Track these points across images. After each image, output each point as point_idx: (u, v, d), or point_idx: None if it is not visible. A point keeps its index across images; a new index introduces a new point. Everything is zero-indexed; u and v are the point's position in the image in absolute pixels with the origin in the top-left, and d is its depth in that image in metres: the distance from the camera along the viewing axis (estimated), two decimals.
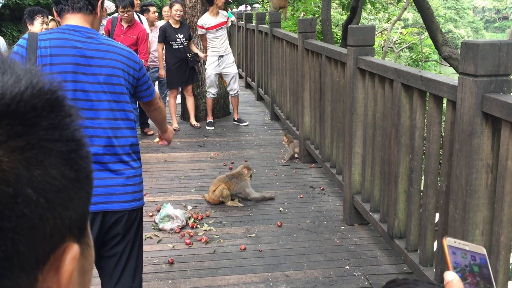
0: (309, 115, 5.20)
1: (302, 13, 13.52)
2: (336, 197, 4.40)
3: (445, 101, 2.59)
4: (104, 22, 5.96)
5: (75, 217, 0.39)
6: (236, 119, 6.90)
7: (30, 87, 0.37)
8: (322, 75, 4.59)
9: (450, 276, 0.65)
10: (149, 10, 6.69)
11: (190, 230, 3.75)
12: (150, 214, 4.01)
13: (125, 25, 5.75)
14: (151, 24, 6.70)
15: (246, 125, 6.78)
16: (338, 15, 16.81)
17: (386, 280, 3.15)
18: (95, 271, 2.41)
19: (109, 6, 6.55)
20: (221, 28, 6.48)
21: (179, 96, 7.05)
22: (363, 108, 3.66)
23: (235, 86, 6.76)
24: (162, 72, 6.49)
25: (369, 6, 14.60)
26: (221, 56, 6.55)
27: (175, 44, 6.38)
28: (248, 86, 9.55)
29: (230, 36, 10.26)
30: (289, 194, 4.48)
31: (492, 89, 2.20)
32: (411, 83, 2.83)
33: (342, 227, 3.83)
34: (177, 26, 6.39)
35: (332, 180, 4.60)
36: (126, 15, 5.65)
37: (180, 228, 3.76)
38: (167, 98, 6.89)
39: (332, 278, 3.12)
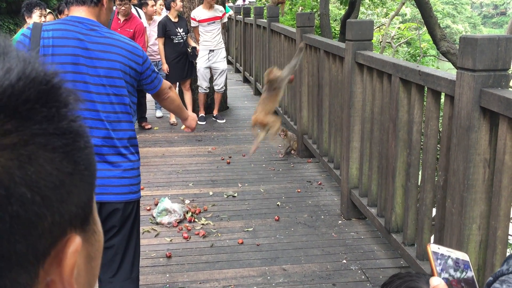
0: (307, 109, 5.20)
1: (300, 8, 13.49)
2: (333, 191, 4.41)
3: (443, 95, 2.59)
4: None
5: (75, 210, 0.38)
6: (215, 115, 6.83)
7: (22, 78, 0.35)
8: (320, 70, 4.58)
9: (436, 281, 0.66)
10: (147, 4, 6.66)
11: (187, 224, 3.76)
12: (148, 208, 4.02)
13: (122, 19, 5.72)
14: (149, 18, 6.67)
15: (223, 122, 6.71)
16: (336, 10, 16.78)
17: (383, 274, 3.18)
18: None
19: None
20: (214, 22, 6.43)
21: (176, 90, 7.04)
22: (361, 103, 3.66)
23: (220, 82, 6.68)
24: (165, 67, 6.45)
25: (367, 0, 14.58)
26: (211, 51, 6.52)
27: (176, 39, 6.34)
28: (246, 80, 9.54)
29: (228, 30, 10.24)
30: (286, 188, 4.48)
31: (490, 84, 2.20)
32: (409, 77, 2.83)
33: (340, 221, 3.84)
34: (176, 20, 6.36)
35: (330, 175, 4.60)
36: (123, 8, 5.62)
37: (178, 222, 3.76)
38: None
39: (329, 272, 3.13)
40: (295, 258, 3.30)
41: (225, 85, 7.24)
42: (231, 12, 10.82)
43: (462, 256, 0.69)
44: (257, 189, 4.46)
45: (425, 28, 9.17)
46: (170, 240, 3.52)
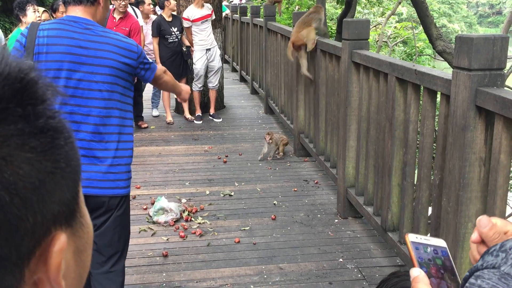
0: (303, 108, 5.20)
1: (297, 7, 13.49)
2: (330, 190, 4.42)
3: (439, 95, 2.60)
4: None
5: (58, 208, 0.37)
6: (211, 114, 6.82)
7: None
8: (317, 69, 4.59)
9: (416, 272, 0.67)
10: (144, 2, 6.65)
11: (184, 223, 3.76)
12: (144, 207, 4.01)
13: (117, 17, 5.71)
14: (146, 16, 6.66)
15: (220, 121, 6.71)
16: (333, 9, 16.79)
17: (379, 273, 3.19)
18: None
19: None
20: (206, 20, 6.43)
21: None
22: (357, 102, 3.67)
23: (214, 79, 6.70)
24: (163, 68, 6.40)
25: (363, 0, 14.60)
26: (208, 49, 6.52)
27: (170, 38, 6.33)
28: (242, 79, 9.54)
29: (224, 29, 10.23)
30: (283, 187, 4.49)
31: (485, 83, 2.21)
32: (406, 77, 2.84)
33: (336, 220, 3.85)
34: (170, 19, 6.35)
35: (326, 174, 4.61)
36: (123, 3, 5.59)
37: (174, 221, 3.76)
38: (162, 92, 6.86)
39: (325, 270, 3.14)
40: (292, 256, 3.30)
41: (221, 83, 7.25)
42: (227, 11, 10.81)
43: (440, 243, 0.70)
44: (254, 188, 4.46)
45: (421, 28, 9.19)
46: (167, 239, 3.52)
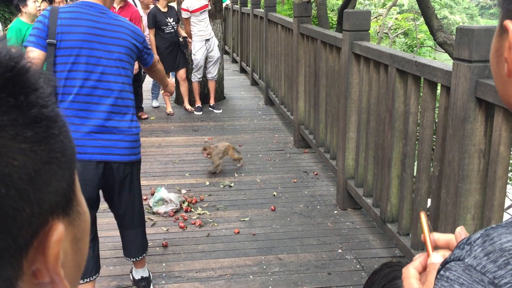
0: (303, 100, 5.20)
1: None
2: (329, 181, 4.42)
3: (439, 86, 2.60)
4: None
5: (55, 198, 0.37)
6: (211, 105, 6.81)
7: None
8: (317, 60, 4.58)
9: (436, 259, 0.67)
10: None
11: (184, 214, 3.77)
12: (144, 197, 4.02)
13: (117, 7, 5.68)
14: (146, 7, 6.62)
15: (220, 112, 6.71)
16: (334, 0, 16.71)
17: (378, 263, 3.20)
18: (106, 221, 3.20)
19: None
20: (204, 11, 6.41)
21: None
22: (357, 93, 3.67)
23: (214, 70, 6.69)
24: (156, 58, 6.39)
25: None
26: (207, 40, 6.51)
27: (167, 29, 6.29)
28: (242, 70, 9.52)
29: (225, 20, 10.19)
30: (283, 178, 4.50)
31: (486, 75, 2.21)
32: (406, 68, 2.83)
33: (335, 212, 3.86)
34: (165, 10, 6.31)
35: (326, 165, 4.62)
36: None
37: (174, 212, 3.77)
38: None
39: (324, 261, 3.15)
40: (291, 247, 3.32)
41: (221, 74, 7.23)
42: (228, 2, 10.76)
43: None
44: (254, 179, 4.47)
45: (422, 19, 9.15)
46: (167, 230, 3.53)
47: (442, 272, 0.51)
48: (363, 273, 3.02)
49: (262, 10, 7.16)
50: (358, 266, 3.10)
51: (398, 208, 3.10)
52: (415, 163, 2.93)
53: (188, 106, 6.71)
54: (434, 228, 2.62)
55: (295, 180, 4.44)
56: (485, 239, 0.49)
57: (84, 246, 0.43)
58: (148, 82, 7.18)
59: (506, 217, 2.75)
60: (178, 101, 7.06)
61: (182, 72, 6.58)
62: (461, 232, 0.69)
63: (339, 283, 2.92)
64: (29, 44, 2.29)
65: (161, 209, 3.76)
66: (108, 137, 2.38)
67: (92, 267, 2.52)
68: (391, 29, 14.86)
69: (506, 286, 0.44)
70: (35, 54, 2.24)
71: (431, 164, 2.78)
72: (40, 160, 0.35)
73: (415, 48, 13.23)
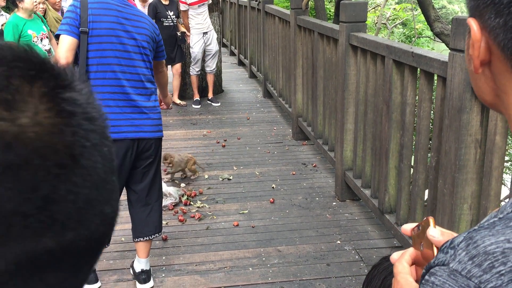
0: (301, 92, 5.20)
1: None
2: (328, 173, 4.44)
3: (436, 77, 2.60)
4: None
5: None
6: (209, 98, 6.80)
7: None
8: (315, 52, 4.57)
9: (398, 264, 0.68)
10: None
11: (183, 207, 3.78)
12: None
13: None
14: (143, 0, 6.61)
15: (218, 105, 6.71)
16: None
17: (377, 254, 3.22)
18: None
19: None
20: (203, 4, 6.39)
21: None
22: (355, 85, 3.67)
23: (212, 63, 6.67)
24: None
25: None
26: (205, 33, 6.49)
27: (166, 21, 6.30)
28: (240, 63, 9.50)
29: (222, 12, 10.15)
30: (281, 171, 4.51)
31: None
32: (403, 59, 2.83)
33: (334, 203, 3.87)
34: (166, 2, 6.30)
35: (324, 157, 4.63)
36: None
37: (174, 205, 3.79)
38: None
39: (323, 252, 3.17)
40: (290, 239, 3.33)
41: (219, 67, 7.22)
42: None
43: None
44: (252, 172, 4.48)
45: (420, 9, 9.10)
46: (166, 223, 3.55)
47: (427, 277, 0.50)
48: (361, 264, 3.04)
49: (260, 2, 7.13)
50: (356, 257, 3.12)
51: (396, 198, 3.12)
52: (413, 154, 2.94)
53: (177, 101, 6.69)
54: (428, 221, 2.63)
55: (293, 172, 4.46)
56: (468, 242, 0.48)
57: None
58: None
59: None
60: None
61: (178, 66, 6.58)
62: (434, 234, 0.67)
63: (338, 274, 2.95)
64: (62, 32, 2.44)
65: None
66: (139, 116, 2.59)
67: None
68: (389, 20, 14.81)
69: None
70: (69, 41, 2.42)
71: (428, 155, 2.80)
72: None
73: (413, 39, 13.20)
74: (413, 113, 2.90)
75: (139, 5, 6.22)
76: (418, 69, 2.75)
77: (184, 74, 6.90)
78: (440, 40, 7.31)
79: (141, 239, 2.77)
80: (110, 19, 2.51)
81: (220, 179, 4.33)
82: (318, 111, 4.61)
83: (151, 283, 2.84)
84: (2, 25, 5.25)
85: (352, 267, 3.01)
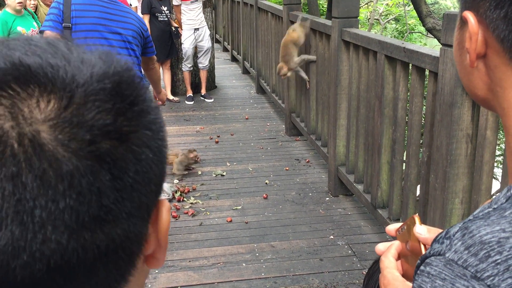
0: (294, 88, 5.20)
1: None
2: (321, 169, 4.45)
3: (427, 72, 2.61)
4: None
5: (164, 171, 0.43)
6: (203, 94, 6.79)
7: (118, 62, 0.39)
8: (308, 48, 4.57)
9: (384, 260, 0.69)
10: None
11: (176, 203, 3.78)
12: None
13: None
14: None
15: (211, 101, 6.70)
16: None
17: (369, 249, 3.24)
18: None
19: None
20: (197, 0, 6.38)
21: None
22: (347, 81, 3.68)
23: (204, 60, 6.65)
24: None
25: None
26: (196, 29, 6.47)
27: (161, 16, 6.29)
28: (233, 59, 9.48)
29: (215, 8, 10.12)
30: (275, 166, 4.52)
31: None
32: (394, 54, 2.84)
33: (327, 198, 3.89)
34: None
35: (317, 152, 4.64)
36: None
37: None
38: None
39: (316, 247, 3.19)
40: (283, 235, 3.34)
41: (212, 63, 7.20)
42: None
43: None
44: (246, 167, 4.49)
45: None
46: None
47: (422, 267, 0.51)
48: (354, 259, 3.06)
49: None
50: (349, 251, 3.14)
51: (388, 194, 3.14)
52: (405, 149, 2.96)
53: (170, 96, 6.67)
54: (423, 212, 2.65)
55: (287, 168, 4.46)
56: (464, 232, 0.48)
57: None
58: None
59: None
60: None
61: (167, 62, 6.57)
62: (420, 231, 0.67)
63: (331, 269, 2.96)
64: (46, 28, 2.55)
65: None
66: None
67: None
68: (382, 15, 14.83)
69: (488, 279, 0.44)
70: (52, 36, 2.43)
71: (420, 150, 2.81)
72: (162, 137, 0.42)
73: (405, 34, 13.23)
74: (405, 108, 2.91)
75: (135, 2, 6.20)
76: (410, 65, 2.76)
77: (176, 70, 6.89)
78: (432, 36, 7.33)
79: None
80: (93, 15, 2.56)
81: (214, 175, 4.33)
82: (311, 107, 4.62)
83: None
84: None
85: (345, 262, 3.03)
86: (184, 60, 6.59)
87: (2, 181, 0.32)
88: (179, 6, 6.40)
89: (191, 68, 6.68)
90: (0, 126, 0.33)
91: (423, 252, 0.66)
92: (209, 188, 4.09)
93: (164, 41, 6.36)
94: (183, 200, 3.85)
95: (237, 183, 4.18)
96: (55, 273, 0.34)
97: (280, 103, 5.79)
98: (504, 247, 0.45)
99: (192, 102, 6.61)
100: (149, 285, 2.84)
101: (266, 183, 4.17)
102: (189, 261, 3.05)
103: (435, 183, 2.43)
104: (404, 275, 0.69)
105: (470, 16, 0.56)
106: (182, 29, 6.50)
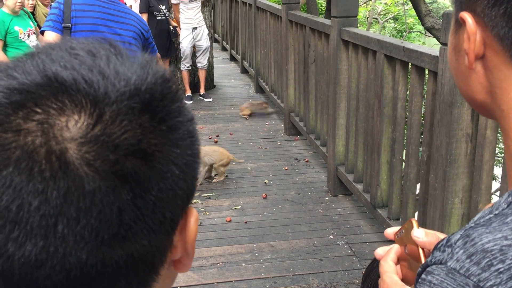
0: (293, 87, 5.20)
1: None
2: (320, 168, 4.44)
3: (426, 72, 2.61)
4: None
5: (192, 184, 0.43)
6: (201, 93, 6.79)
7: (154, 76, 0.39)
8: (306, 47, 4.57)
9: (383, 264, 0.68)
10: None
11: None
12: None
13: None
14: None
15: (210, 101, 6.69)
16: None
17: (369, 248, 3.23)
18: None
19: None
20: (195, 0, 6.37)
21: None
22: (346, 80, 3.67)
23: (203, 59, 6.64)
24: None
25: None
26: (194, 28, 6.46)
27: (159, 15, 6.27)
28: (232, 58, 9.47)
29: (213, 7, 10.11)
30: (274, 166, 4.51)
31: None
32: (394, 54, 2.83)
33: (326, 198, 3.88)
34: None
35: (317, 152, 4.63)
36: None
37: None
38: None
39: (316, 247, 3.18)
40: (283, 234, 3.34)
41: (210, 62, 7.19)
42: None
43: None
44: (245, 167, 4.48)
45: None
46: None
47: (423, 275, 0.50)
48: (354, 258, 3.05)
49: None
50: (349, 251, 3.13)
51: (388, 193, 3.13)
52: (404, 149, 2.95)
53: None
54: (422, 212, 2.65)
55: (286, 168, 4.46)
56: (465, 240, 0.48)
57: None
58: None
59: (494, 200, 2.79)
60: None
61: (167, 61, 6.57)
62: (418, 234, 0.67)
63: (330, 269, 2.96)
64: (46, 28, 2.55)
65: None
66: None
67: None
68: (381, 14, 14.84)
69: None
70: (52, 37, 2.50)
71: (420, 149, 2.81)
72: (192, 154, 0.42)
73: (404, 33, 13.23)
74: (404, 108, 2.90)
75: (131, 1, 6.19)
76: (409, 64, 2.76)
77: (175, 69, 6.88)
78: (431, 35, 7.33)
79: None
80: (93, 15, 2.57)
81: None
82: (310, 106, 4.61)
83: None
84: None
85: (345, 262, 3.02)
86: (182, 59, 6.59)
87: (29, 196, 0.34)
88: (177, 4, 6.39)
89: (190, 68, 6.67)
90: (31, 142, 0.34)
91: (422, 256, 0.66)
92: (208, 187, 4.08)
93: (162, 40, 6.34)
94: None
95: (236, 182, 4.18)
96: (76, 284, 0.36)
97: (279, 103, 5.78)
98: (507, 255, 0.45)
99: (190, 102, 6.60)
100: None
101: (265, 182, 4.17)
102: None
103: (435, 182, 2.43)
104: (404, 280, 0.69)
105: (467, 16, 0.55)
106: (180, 28, 6.49)
